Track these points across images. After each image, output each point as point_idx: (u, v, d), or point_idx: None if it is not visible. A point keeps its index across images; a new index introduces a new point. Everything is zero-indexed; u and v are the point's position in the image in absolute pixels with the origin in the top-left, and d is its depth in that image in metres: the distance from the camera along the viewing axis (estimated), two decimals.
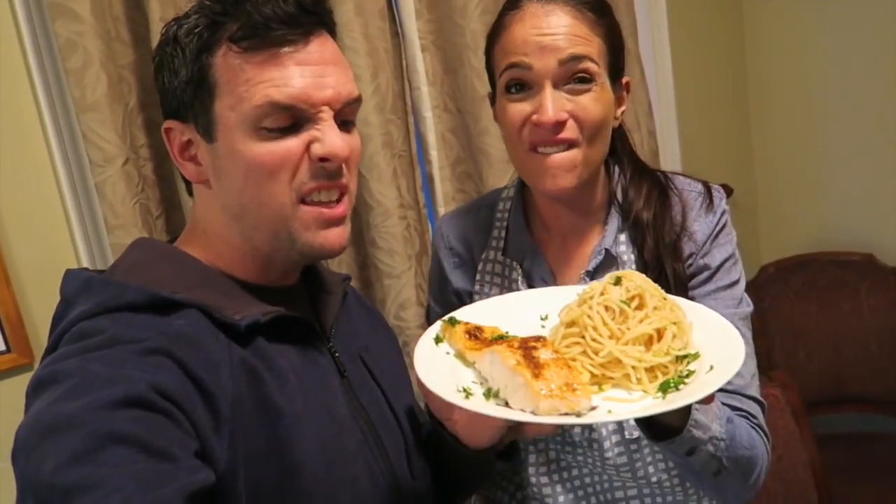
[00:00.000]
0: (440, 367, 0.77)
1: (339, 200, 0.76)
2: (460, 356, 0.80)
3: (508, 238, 1.05)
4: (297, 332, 0.78)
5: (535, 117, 0.89)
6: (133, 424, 0.59)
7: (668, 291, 0.92)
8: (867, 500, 1.91)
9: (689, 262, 0.96)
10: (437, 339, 0.82)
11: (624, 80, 0.98)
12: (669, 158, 2.22)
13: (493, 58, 0.96)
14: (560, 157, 0.90)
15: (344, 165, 0.75)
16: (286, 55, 0.71)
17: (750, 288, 1.02)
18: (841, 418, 2.27)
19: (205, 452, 0.64)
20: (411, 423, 0.89)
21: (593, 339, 0.74)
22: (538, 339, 0.75)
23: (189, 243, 0.80)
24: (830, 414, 2.24)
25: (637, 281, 0.78)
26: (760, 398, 0.97)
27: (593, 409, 0.68)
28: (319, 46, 0.74)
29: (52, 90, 1.32)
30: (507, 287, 1.03)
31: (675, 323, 0.75)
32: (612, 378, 0.73)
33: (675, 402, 0.67)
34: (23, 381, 1.34)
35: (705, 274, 0.97)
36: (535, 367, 0.68)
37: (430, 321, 1.17)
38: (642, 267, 0.95)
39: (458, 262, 1.10)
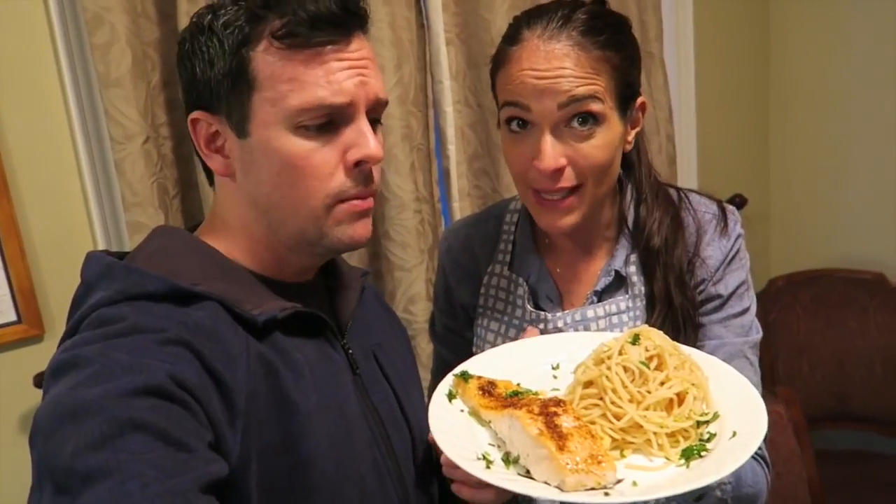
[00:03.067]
0: (456, 428, 0.75)
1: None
2: (475, 414, 0.78)
3: (515, 252, 1.03)
4: (312, 328, 0.78)
5: (534, 163, 0.86)
6: (152, 413, 0.59)
7: (676, 322, 0.91)
8: None
9: (701, 287, 0.94)
10: (451, 396, 0.80)
11: (638, 102, 0.93)
12: (686, 165, 2.21)
13: (495, 86, 0.93)
14: (561, 203, 0.88)
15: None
16: (330, 54, 0.71)
17: (757, 300, 1.01)
18: (841, 435, 2.27)
19: (218, 445, 0.65)
20: (420, 423, 0.89)
21: (613, 403, 0.73)
22: (558, 402, 0.73)
23: (209, 234, 0.80)
24: (830, 430, 2.24)
25: (656, 340, 0.76)
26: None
27: (619, 481, 0.67)
28: (359, 46, 0.74)
29: (77, 65, 1.32)
30: (511, 303, 1.01)
31: (694, 385, 0.74)
32: (632, 443, 0.72)
33: (702, 474, 0.65)
34: (32, 351, 1.36)
35: (717, 302, 0.95)
36: (559, 438, 0.67)
37: (434, 332, 1.16)
38: (650, 293, 0.94)
39: (463, 274, 1.07)
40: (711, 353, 0.91)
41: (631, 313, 0.95)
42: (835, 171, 2.38)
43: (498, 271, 1.03)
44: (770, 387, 1.76)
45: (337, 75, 0.71)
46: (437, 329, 1.14)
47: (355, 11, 0.73)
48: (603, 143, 0.86)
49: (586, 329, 0.95)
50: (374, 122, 0.77)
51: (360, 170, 0.74)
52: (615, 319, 0.95)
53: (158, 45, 1.36)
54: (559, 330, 0.96)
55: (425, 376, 1.60)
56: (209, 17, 0.73)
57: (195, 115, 0.75)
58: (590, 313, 0.95)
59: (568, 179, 0.87)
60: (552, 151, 0.85)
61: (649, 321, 0.93)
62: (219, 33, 0.72)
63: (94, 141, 1.36)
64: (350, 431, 0.77)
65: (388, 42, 1.49)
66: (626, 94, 0.90)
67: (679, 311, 0.92)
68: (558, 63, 0.84)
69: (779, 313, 2.26)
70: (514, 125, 0.88)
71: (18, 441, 1.35)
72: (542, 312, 0.97)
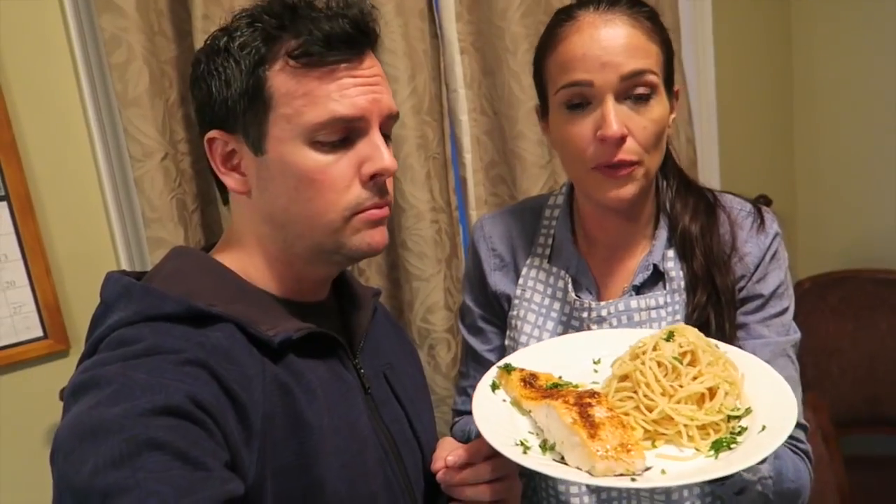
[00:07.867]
0: (497, 417, 0.78)
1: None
2: (516, 404, 0.81)
3: (554, 246, 1.04)
4: (326, 348, 0.79)
5: (599, 133, 0.87)
6: (170, 432, 0.60)
7: (719, 305, 0.92)
8: None
9: (741, 284, 0.95)
10: (494, 386, 0.84)
11: (675, 89, 0.96)
12: (708, 167, 2.17)
13: (545, 70, 0.94)
14: (622, 171, 0.89)
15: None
16: (344, 71, 0.74)
17: None
18: (872, 440, 2.21)
19: (235, 465, 0.66)
20: (430, 442, 0.90)
21: (645, 396, 0.75)
22: (593, 394, 0.76)
23: (225, 253, 0.81)
24: (862, 434, 2.19)
25: (690, 337, 0.79)
26: (804, 422, 0.97)
27: (648, 468, 0.69)
28: (371, 64, 0.77)
29: (97, 85, 1.35)
30: (549, 295, 1.02)
31: (728, 381, 0.76)
32: (664, 434, 0.74)
33: (729, 464, 0.68)
34: (58, 366, 1.38)
35: (758, 301, 0.95)
36: (591, 427, 0.71)
37: (464, 321, 1.14)
38: (691, 281, 0.94)
39: (500, 263, 1.08)
40: (754, 351, 0.92)
41: (670, 308, 0.96)
42: (861, 170, 2.33)
43: (537, 264, 1.05)
44: None
45: (350, 90, 0.73)
46: (469, 320, 1.13)
47: (367, 31, 0.75)
48: (657, 117, 0.90)
49: (629, 319, 0.97)
50: (386, 137, 0.79)
51: (375, 182, 0.76)
52: (654, 314, 0.96)
53: (176, 63, 1.38)
54: (602, 318, 0.97)
55: (445, 386, 1.61)
56: (225, 38, 0.75)
57: (212, 134, 0.77)
58: (633, 304, 0.96)
59: (628, 152, 0.88)
60: (617, 118, 0.87)
61: (691, 305, 0.94)
62: (235, 54, 0.74)
63: (115, 159, 1.38)
64: (362, 451, 0.78)
65: (402, 53, 1.49)
66: (669, 72, 0.93)
67: (721, 292, 0.93)
68: (616, 32, 0.87)
69: (806, 316, 2.21)
70: (574, 107, 0.90)
71: (44, 454, 1.37)
72: (587, 300, 0.98)
